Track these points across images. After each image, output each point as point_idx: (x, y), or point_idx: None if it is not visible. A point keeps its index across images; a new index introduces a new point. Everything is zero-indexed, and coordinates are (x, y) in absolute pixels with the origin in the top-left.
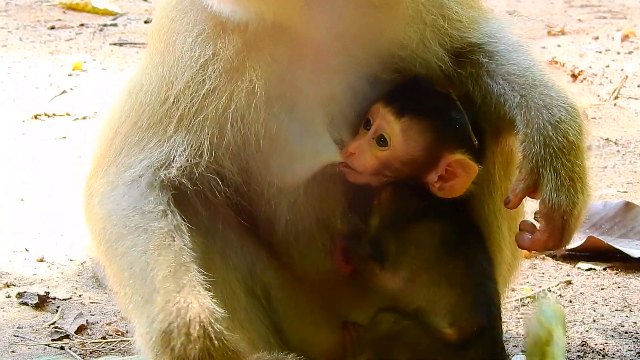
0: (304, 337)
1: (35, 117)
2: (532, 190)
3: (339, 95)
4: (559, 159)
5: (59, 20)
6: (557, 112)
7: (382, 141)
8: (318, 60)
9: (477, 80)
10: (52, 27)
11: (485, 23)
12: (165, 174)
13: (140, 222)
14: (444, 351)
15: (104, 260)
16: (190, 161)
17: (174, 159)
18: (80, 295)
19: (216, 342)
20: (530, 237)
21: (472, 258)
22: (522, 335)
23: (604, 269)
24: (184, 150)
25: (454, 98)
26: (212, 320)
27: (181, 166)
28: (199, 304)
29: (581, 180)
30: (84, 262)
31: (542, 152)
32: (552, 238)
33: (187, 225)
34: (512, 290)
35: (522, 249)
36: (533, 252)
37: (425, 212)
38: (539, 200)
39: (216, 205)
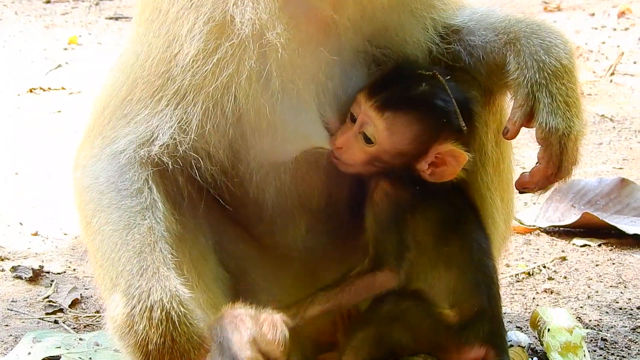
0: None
1: (31, 91)
2: (528, 117)
3: (332, 78)
4: (553, 83)
5: None
6: (547, 37)
7: (367, 139)
8: (317, 42)
9: (460, 42)
10: (48, 1)
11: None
12: (146, 151)
13: (113, 199)
14: (445, 332)
15: (83, 236)
16: (175, 138)
17: (158, 136)
18: (74, 269)
19: (179, 326)
20: (528, 173)
21: (470, 237)
22: (517, 311)
23: (599, 245)
24: (171, 126)
25: (440, 80)
26: (175, 304)
27: (164, 143)
28: (161, 286)
29: (576, 105)
30: (78, 236)
31: (537, 76)
32: (551, 165)
33: (165, 203)
34: (507, 266)
35: (523, 188)
36: (537, 191)
37: (420, 197)
38: (535, 128)
39: (200, 184)
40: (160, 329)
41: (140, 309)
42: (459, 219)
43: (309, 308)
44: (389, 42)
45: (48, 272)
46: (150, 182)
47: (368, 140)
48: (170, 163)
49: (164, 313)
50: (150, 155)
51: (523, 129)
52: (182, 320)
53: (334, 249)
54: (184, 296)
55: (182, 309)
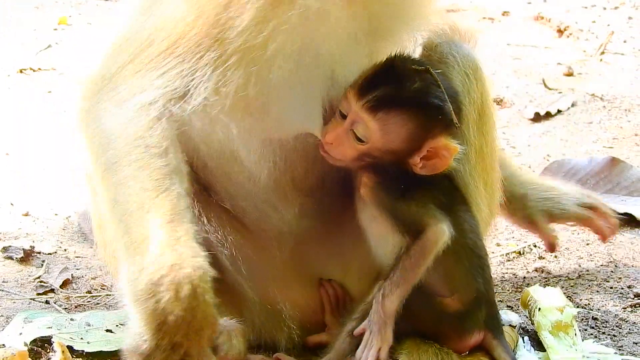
0: (276, 295)
1: (21, 72)
2: None
3: (349, 66)
4: None
5: None
6: None
7: (359, 138)
8: (354, 27)
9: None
10: None
11: None
12: (178, 108)
13: (142, 155)
14: (446, 321)
15: (97, 178)
16: (209, 100)
17: (193, 95)
18: (65, 250)
19: (202, 303)
20: None
21: (462, 219)
22: (508, 290)
23: None
24: (207, 87)
25: (433, 75)
26: (202, 282)
27: (199, 103)
28: (192, 262)
29: None
30: (69, 216)
31: None
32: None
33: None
34: (498, 245)
35: None
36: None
37: (408, 183)
38: None
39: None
40: (185, 303)
41: (169, 281)
42: (450, 201)
43: (385, 304)
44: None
45: (39, 253)
46: (176, 142)
47: (359, 139)
48: (198, 124)
49: (191, 288)
50: (181, 113)
51: (513, 108)
52: (205, 298)
53: (326, 231)
54: (209, 274)
55: (206, 287)
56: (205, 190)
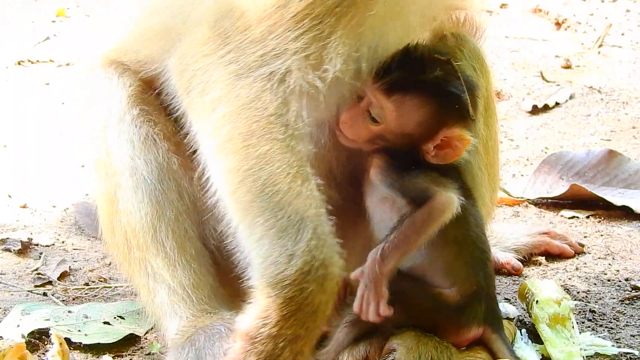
0: None
1: (19, 64)
2: None
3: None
4: None
5: None
6: None
7: (373, 118)
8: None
9: None
10: None
11: None
12: (316, 78)
13: (282, 135)
14: (445, 313)
15: (213, 144)
16: (342, 70)
17: (330, 61)
18: (63, 242)
19: (330, 304)
20: None
21: (468, 212)
22: (506, 283)
23: (587, 217)
24: (341, 55)
25: (454, 66)
26: (338, 284)
27: (335, 71)
28: (337, 259)
29: None
30: (67, 208)
31: None
32: None
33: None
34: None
35: None
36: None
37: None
38: None
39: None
40: (324, 297)
41: (319, 275)
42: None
43: (381, 263)
44: None
45: (37, 245)
46: (314, 124)
47: (374, 120)
48: (329, 99)
49: (332, 286)
50: (320, 83)
51: (511, 100)
52: (333, 299)
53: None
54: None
55: (339, 282)
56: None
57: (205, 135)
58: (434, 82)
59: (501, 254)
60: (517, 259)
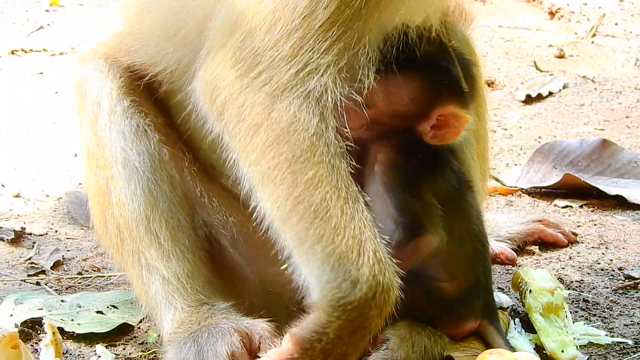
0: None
1: (12, 53)
2: None
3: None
4: None
5: None
6: None
7: (364, 103)
8: None
9: None
10: None
11: None
12: (354, 89)
13: (325, 157)
14: (443, 306)
15: (258, 171)
16: (370, 77)
17: (363, 70)
18: (56, 231)
19: (379, 327)
20: None
21: (470, 205)
22: (499, 272)
23: (581, 207)
24: (372, 62)
25: (444, 42)
26: (395, 297)
27: (370, 82)
28: (396, 284)
29: None
30: (60, 197)
31: None
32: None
33: None
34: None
35: None
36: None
37: (424, 165)
38: None
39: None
40: (382, 319)
41: (380, 300)
42: (461, 187)
43: None
44: None
45: (30, 234)
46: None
47: (365, 105)
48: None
49: (390, 311)
50: (356, 97)
51: (505, 90)
52: (389, 313)
53: None
54: None
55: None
56: (206, 169)
57: (248, 163)
58: (421, 58)
59: (495, 243)
60: (512, 248)
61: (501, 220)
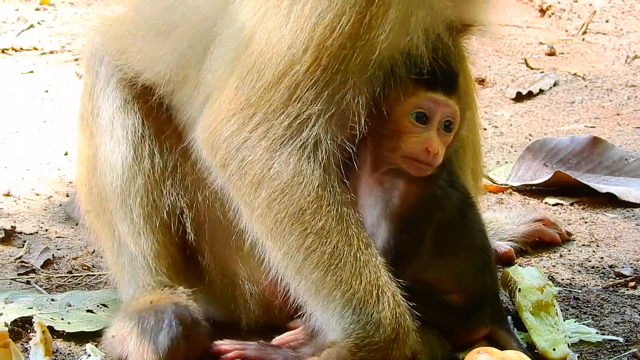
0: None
1: (2, 52)
2: None
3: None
4: None
5: None
6: None
7: (447, 127)
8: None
9: None
10: None
11: None
12: (346, 138)
13: (333, 207)
14: (453, 317)
15: (267, 226)
16: (363, 122)
17: (353, 116)
18: (46, 230)
19: None
20: None
21: (473, 219)
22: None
23: (571, 204)
24: (361, 106)
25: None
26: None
27: (361, 129)
28: (412, 326)
29: None
30: (51, 196)
31: None
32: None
33: None
34: None
35: None
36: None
37: (436, 188)
38: None
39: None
40: (402, 357)
41: (402, 341)
42: (465, 203)
43: None
44: None
45: (20, 233)
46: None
47: (447, 128)
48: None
49: (407, 348)
50: (349, 146)
51: (495, 87)
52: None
53: None
54: None
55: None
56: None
57: (254, 218)
58: None
59: (498, 243)
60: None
61: (503, 221)
